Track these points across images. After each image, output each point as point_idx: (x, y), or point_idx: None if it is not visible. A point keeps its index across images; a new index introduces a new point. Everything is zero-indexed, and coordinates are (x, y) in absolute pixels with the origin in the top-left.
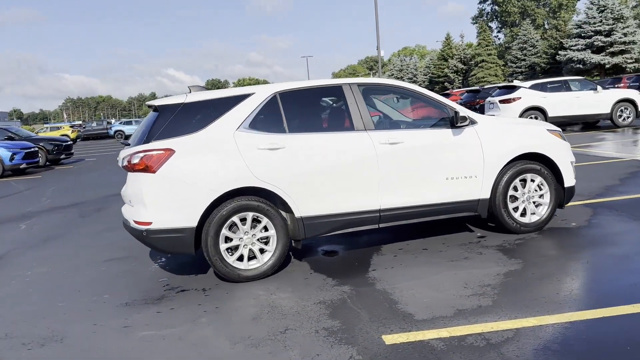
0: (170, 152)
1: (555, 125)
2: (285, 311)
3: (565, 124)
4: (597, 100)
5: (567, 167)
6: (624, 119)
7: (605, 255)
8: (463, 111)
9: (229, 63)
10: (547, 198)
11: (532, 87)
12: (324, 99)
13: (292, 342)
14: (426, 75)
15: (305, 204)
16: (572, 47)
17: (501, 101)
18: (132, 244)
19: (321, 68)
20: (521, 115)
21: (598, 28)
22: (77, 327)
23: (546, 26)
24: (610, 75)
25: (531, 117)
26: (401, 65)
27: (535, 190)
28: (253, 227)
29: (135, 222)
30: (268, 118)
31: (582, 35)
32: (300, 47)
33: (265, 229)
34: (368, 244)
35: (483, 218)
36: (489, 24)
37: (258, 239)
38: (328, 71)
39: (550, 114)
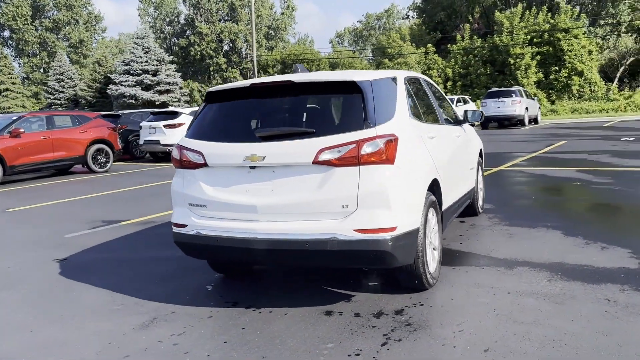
0: (396, 139)
1: None
2: None
3: None
4: None
5: None
6: None
7: None
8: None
9: None
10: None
11: (191, 113)
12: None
13: None
14: None
15: (446, 195)
16: (123, 83)
17: (166, 126)
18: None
19: None
20: None
21: (145, 67)
22: None
23: (84, 60)
24: None
25: None
26: None
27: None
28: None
29: (368, 230)
30: (414, 106)
31: (132, 72)
32: None
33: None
34: None
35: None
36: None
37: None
38: None
39: None
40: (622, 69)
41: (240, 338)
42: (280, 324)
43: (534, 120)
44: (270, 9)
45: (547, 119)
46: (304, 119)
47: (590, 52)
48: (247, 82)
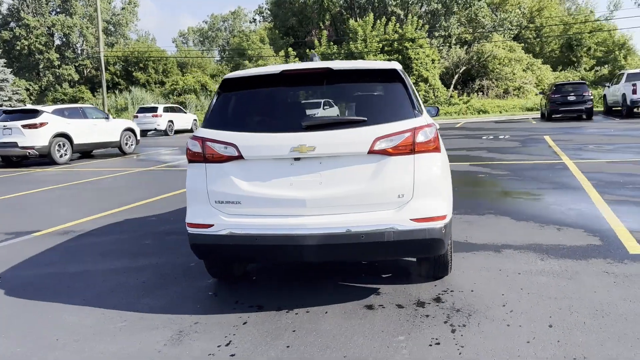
0: (437, 128)
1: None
2: None
3: (88, 151)
4: (111, 129)
5: None
6: (129, 146)
7: None
8: None
9: None
10: None
11: (55, 112)
12: None
13: None
14: None
15: None
16: None
17: (25, 126)
18: None
19: None
20: (51, 142)
21: None
22: None
23: None
24: None
25: (59, 144)
26: None
27: None
28: None
29: (424, 219)
30: None
31: None
32: None
33: None
34: None
35: None
36: None
37: None
38: None
39: (76, 140)
40: (456, 76)
41: (301, 340)
42: (329, 322)
43: None
44: (109, 3)
45: None
46: (348, 108)
47: (433, 60)
48: (276, 69)
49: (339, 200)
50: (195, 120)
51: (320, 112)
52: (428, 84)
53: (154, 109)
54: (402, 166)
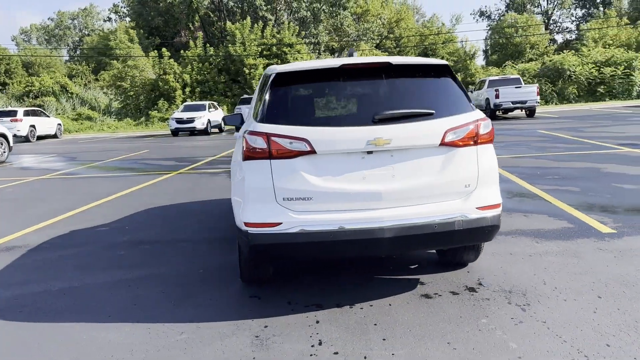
0: None
1: None
2: None
3: None
4: None
5: None
6: (2, 154)
7: None
8: None
9: None
10: None
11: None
12: None
13: None
14: None
15: None
16: None
17: None
18: None
19: None
20: None
21: None
22: None
23: None
24: None
25: None
26: None
27: None
28: None
29: (487, 207)
30: None
31: None
32: None
33: None
34: None
35: None
36: None
37: None
38: None
39: None
40: None
41: (391, 332)
42: (402, 313)
43: None
44: None
45: None
46: (410, 101)
47: None
48: (335, 62)
49: (411, 192)
50: (60, 124)
51: None
52: None
53: (13, 113)
54: (468, 157)
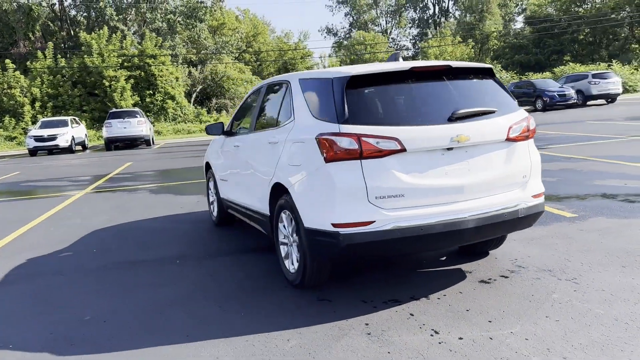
0: None
1: None
2: None
3: None
4: None
5: None
6: None
7: None
8: None
9: None
10: None
11: None
12: None
13: None
14: None
15: None
16: None
17: None
18: None
19: None
20: None
21: None
22: None
23: None
24: None
25: None
26: None
27: None
28: None
29: (539, 195)
30: None
31: None
32: None
33: None
34: None
35: None
36: None
37: None
38: None
39: None
40: (194, 95)
41: (489, 315)
42: (480, 298)
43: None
44: None
45: (159, 139)
46: (474, 100)
47: (177, 78)
48: (404, 65)
49: (485, 185)
50: None
51: None
52: (175, 102)
53: None
54: (523, 150)
